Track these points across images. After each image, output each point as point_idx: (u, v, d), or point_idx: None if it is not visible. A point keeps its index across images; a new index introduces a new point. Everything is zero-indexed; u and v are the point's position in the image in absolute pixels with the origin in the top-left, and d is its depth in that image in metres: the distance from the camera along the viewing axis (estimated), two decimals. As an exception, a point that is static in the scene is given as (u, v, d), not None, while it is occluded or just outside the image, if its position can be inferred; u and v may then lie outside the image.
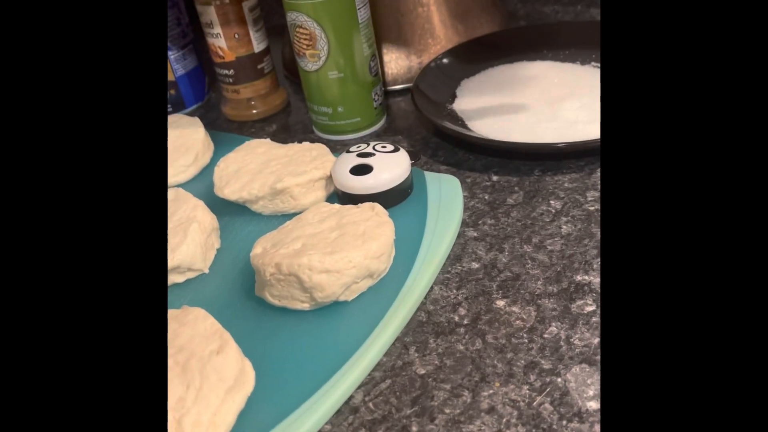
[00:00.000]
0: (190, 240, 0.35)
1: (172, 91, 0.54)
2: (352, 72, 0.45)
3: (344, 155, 0.39)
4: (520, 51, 0.52)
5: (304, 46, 0.45)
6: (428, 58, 0.52)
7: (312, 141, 0.49)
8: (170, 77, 0.54)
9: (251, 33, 0.50)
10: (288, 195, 0.39)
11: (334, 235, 0.34)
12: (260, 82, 0.52)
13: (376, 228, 0.34)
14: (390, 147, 0.39)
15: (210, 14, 0.48)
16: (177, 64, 0.54)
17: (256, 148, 0.43)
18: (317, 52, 0.44)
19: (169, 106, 0.55)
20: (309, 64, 0.45)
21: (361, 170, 0.38)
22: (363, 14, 0.44)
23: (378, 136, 0.48)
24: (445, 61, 0.51)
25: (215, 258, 0.37)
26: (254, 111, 0.53)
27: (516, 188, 0.40)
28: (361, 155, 0.39)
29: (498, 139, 0.41)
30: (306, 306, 0.32)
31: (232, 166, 0.41)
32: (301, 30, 0.44)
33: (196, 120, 0.47)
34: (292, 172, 0.39)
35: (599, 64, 0.49)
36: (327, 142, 0.48)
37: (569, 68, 0.49)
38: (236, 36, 0.49)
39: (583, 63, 0.50)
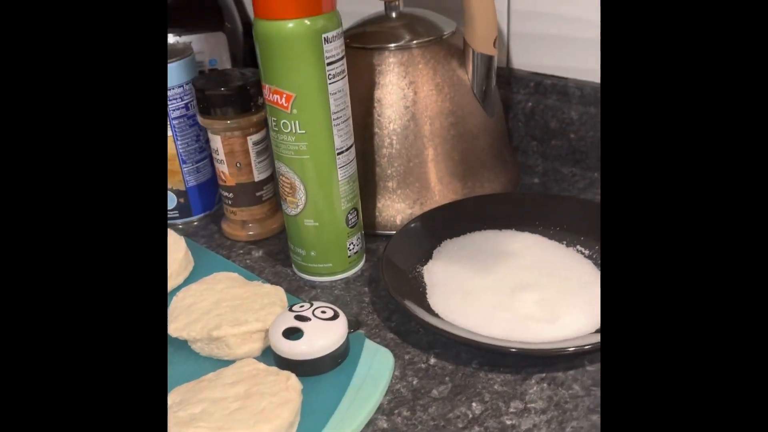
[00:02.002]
0: (113, 377, 0.37)
1: (182, 199, 0.58)
2: (327, 223, 0.47)
3: (284, 314, 0.40)
4: (512, 218, 0.52)
5: (286, 193, 0.47)
6: (422, 210, 0.53)
7: (288, 275, 0.50)
8: (181, 187, 0.57)
9: (253, 164, 0.53)
10: (224, 343, 0.40)
11: (235, 406, 0.34)
12: (257, 208, 0.55)
13: (277, 407, 0.34)
14: (330, 313, 0.40)
15: (216, 142, 0.52)
16: (189, 176, 0.57)
17: (217, 283, 0.45)
18: (296, 201, 0.46)
19: (177, 212, 0.58)
20: (289, 208, 0.47)
21: (293, 333, 0.39)
22: (344, 173, 0.46)
23: (347, 284, 0.49)
24: (430, 217, 0.51)
25: (138, 395, 0.39)
26: (249, 233, 0.55)
27: (447, 378, 0.39)
28: (298, 317, 0.39)
29: (440, 326, 0.40)
30: (187, 476, 0.33)
31: (188, 299, 0.43)
32: (284, 179, 0.46)
33: (180, 239, 0.50)
34: (233, 320, 0.40)
35: (583, 250, 0.48)
36: (299, 280, 0.49)
37: (552, 247, 0.48)
38: (238, 165, 0.52)
39: (568, 245, 0.49)
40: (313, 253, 0.48)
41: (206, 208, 0.60)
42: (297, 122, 0.43)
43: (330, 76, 0.43)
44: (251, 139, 0.52)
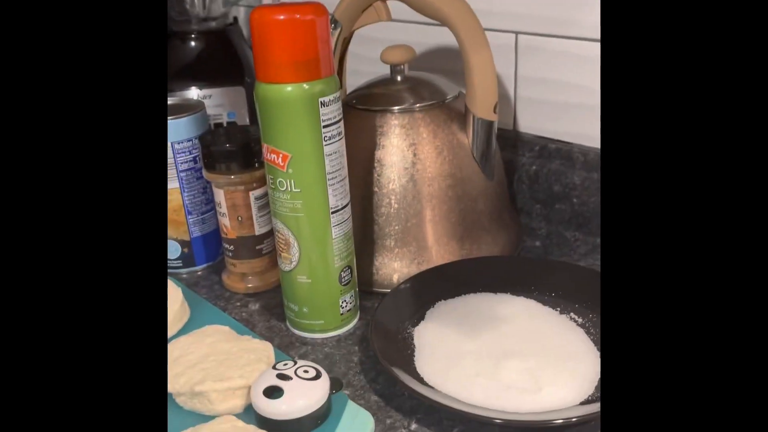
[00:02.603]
0: (92, 428, 0.37)
1: (186, 249, 0.59)
2: (319, 280, 0.47)
3: (267, 372, 0.40)
4: (507, 282, 0.51)
5: (281, 249, 0.47)
6: (419, 269, 0.53)
7: (282, 329, 0.50)
8: (186, 237, 0.59)
9: (254, 218, 0.54)
10: (206, 398, 0.40)
11: (208, 464, 0.34)
12: (257, 261, 0.55)
13: (248, 468, 0.34)
14: (312, 372, 0.40)
15: (219, 196, 0.53)
16: (194, 227, 0.59)
17: (207, 336, 0.45)
18: (290, 257, 0.47)
19: (180, 262, 0.60)
20: (283, 264, 0.48)
21: (273, 392, 0.39)
22: (338, 231, 0.47)
23: (338, 342, 0.49)
24: (425, 278, 0.51)
25: (117, 447, 0.39)
26: (248, 285, 0.56)
27: (426, 447, 0.38)
28: (280, 376, 0.40)
29: (421, 392, 0.40)
30: None
31: (176, 351, 0.44)
32: (280, 235, 0.47)
33: (178, 290, 0.51)
34: (218, 375, 0.41)
35: (576, 317, 0.47)
36: (291, 335, 0.50)
37: (545, 314, 0.48)
38: (239, 219, 0.54)
39: (561, 312, 0.48)
40: (305, 309, 0.48)
41: (210, 258, 0.61)
42: (292, 181, 0.44)
43: (326, 138, 0.44)
44: (253, 194, 0.53)
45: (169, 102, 0.60)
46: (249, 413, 0.40)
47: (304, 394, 0.38)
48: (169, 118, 0.55)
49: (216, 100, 0.77)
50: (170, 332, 0.49)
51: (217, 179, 0.53)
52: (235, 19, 0.88)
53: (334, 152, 0.45)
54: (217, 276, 0.59)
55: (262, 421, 0.39)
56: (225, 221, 0.54)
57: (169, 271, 0.60)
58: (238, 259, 0.55)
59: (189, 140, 0.56)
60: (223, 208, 0.54)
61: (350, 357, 0.47)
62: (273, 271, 0.57)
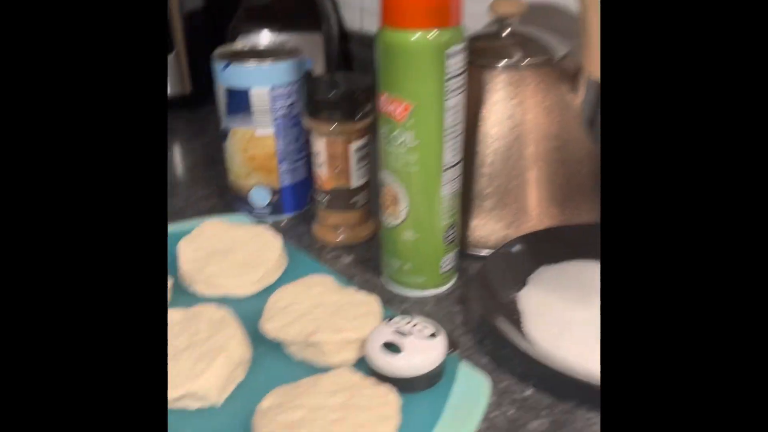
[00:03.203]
0: (212, 372, 0.37)
1: (275, 197, 0.59)
2: (425, 237, 0.46)
3: (382, 327, 0.40)
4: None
5: (387, 204, 0.46)
6: (517, 233, 0.52)
7: (379, 284, 0.50)
8: (276, 185, 0.58)
9: (351, 170, 0.53)
10: (319, 349, 0.40)
11: (335, 416, 0.34)
12: (350, 214, 0.55)
13: (377, 423, 0.33)
14: (430, 330, 0.39)
15: (319, 145, 0.52)
16: (285, 175, 0.58)
17: (313, 286, 0.45)
18: (397, 212, 0.46)
19: (268, 209, 0.59)
20: (388, 219, 0.47)
21: (391, 348, 0.38)
22: (449, 188, 0.45)
23: (438, 301, 0.48)
24: (527, 242, 0.50)
25: (233, 392, 0.39)
26: (338, 238, 0.55)
27: (544, 413, 0.37)
28: (397, 332, 0.39)
29: (539, 359, 0.39)
30: (283, 482, 0.32)
31: (284, 300, 0.43)
32: (388, 189, 0.46)
33: (277, 239, 0.50)
34: (330, 326, 0.40)
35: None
36: (390, 291, 0.49)
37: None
38: (337, 169, 0.53)
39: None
40: (407, 266, 0.47)
41: (297, 207, 0.60)
42: (411, 134, 0.43)
43: (448, 91, 0.42)
44: (353, 146, 0.52)
45: (266, 46, 0.59)
46: (360, 367, 0.40)
47: (422, 352, 0.38)
48: (269, 61, 0.54)
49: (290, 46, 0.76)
50: (270, 280, 0.49)
51: (319, 128, 0.51)
52: (315, -38, 0.85)
53: (455, 106, 0.43)
54: (304, 226, 0.59)
55: (377, 376, 0.38)
56: (322, 171, 0.53)
57: (255, 218, 0.59)
58: (332, 210, 0.54)
59: (287, 85, 0.55)
60: (321, 158, 0.53)
61: (452, 317, 0.46)
62: (364, 225, 0.56)
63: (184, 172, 0.71)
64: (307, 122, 0.52)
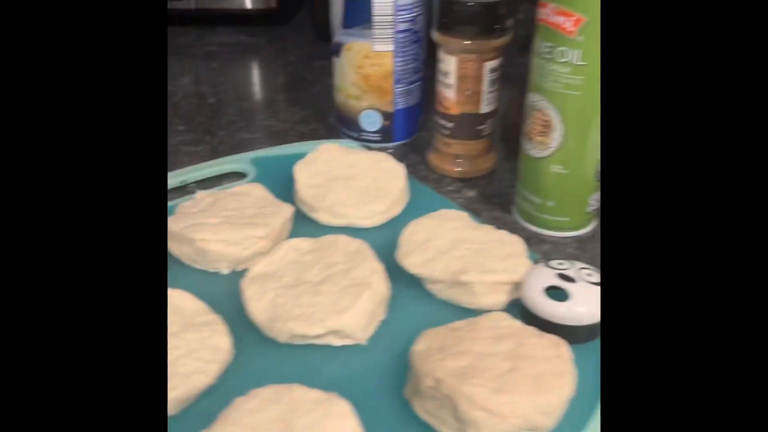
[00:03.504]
0: (359, 308, 0.34)
1: (387, 122, 0.54)
2: (576, 172, 0.41)
3: (542, 269, 0.35)
4: None
5: (537, 132, 0.41)
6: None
7: (508, 222, 0.45)
8: (389, 108, 0.53)
9: (483, 93, 0.47)
10: (468, 289, 0.36)
11: (506, 365, 0.30)
12: (474, 143, 0.50)
13: (554, 377, 0.30)
14: (596, 277, 0.35)
15: (450, 64, 0.47)
16: (400, 98, 0.53)
17: (450, 221, 0.40)
18: (548, 142, 0.41)
19: (378, 135, 0.54)
20: (534, 150, 0.42)
21: (555, 294, 0.34)
22: (612, 117, 0.40)
23: (579, 242, 0.43)
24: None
25: (377, 329, 0.35)
26: (458, 169, 0.51)
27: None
28: (561, 276, 0.35)
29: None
30: (453, 436, 0.29)
31: (421, 233, 0.39)
32: (540, 115, 0.40)
33: (401, 167, 0.46)
34: (480, 266, 0.36)
35: None
36: (525, 230, 0.44)
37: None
38: (467, 92, 0.47)
39: None
40: (550, 203, 0.43)
41: (407, 135, 0.55)
42: (578, 52, 0.37)
43: (629, 2, 0.36)
44: (488, 66, 0.46)
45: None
46: (510, 311, 0.36)
47: (592, 300, 0.34)
48: (394, -33, 0.48)
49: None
50: (395, 211, 0.44)
51: (451, 43, 0.46)
52: None
53: (632, 21, 0.37)
54: (415, 155, 0.54)
55: (536, 322, 0.34)
56: (449, 93, 0.48)
57: (361, 145, 0.55)
58: (455, 138, 0.49)
59: (412, -4, 0.49)
60: (450, 79, 0.47)
61: (597, 262, 0.42)
62: (486, 156, 0.51)
63: (275, 92, 0.66)
64: (437, 37, 0.47)
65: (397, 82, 0.52)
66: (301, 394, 0.28)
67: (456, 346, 0.31)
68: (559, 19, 0.37)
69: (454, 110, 0.48)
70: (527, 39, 0.41)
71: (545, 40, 0.38)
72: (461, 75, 0.47)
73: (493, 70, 0.47)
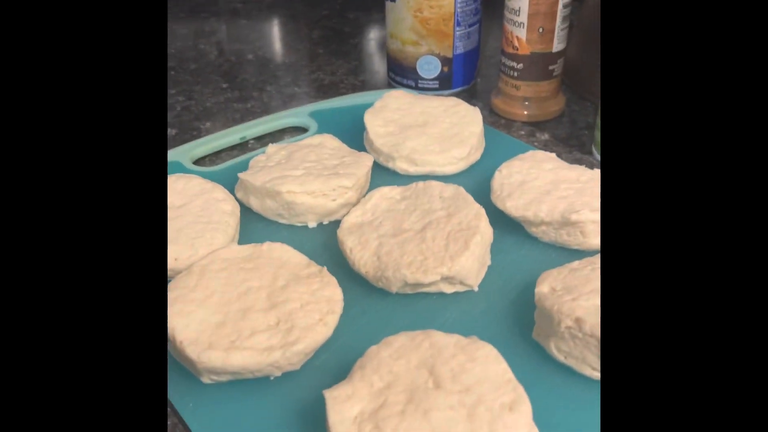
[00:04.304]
0: (470, 253, 0.32)
1: (446, 68, 0.52)
2: (670, 105, 0.39)
3: (655, 204, 0.34)
4: None
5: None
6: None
7: (589, 163, 0.44)
8: (449, 54, 0.51)
9: (556, 30, 0.45)
10: (578, 229, 0.34)
11: (644, 302, 0.29)
12: (545, 84, 0.48)
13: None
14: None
15: (522, 1, 0.44)
16: (459, 41, 0.51)
17: (543, 162, 0.39)
18: (640, 74, 0.39)
19: (436, 82, 0.52)
20: (624, 83, 0.40)
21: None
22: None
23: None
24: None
25: (485, 276, 0.34)
26: (526, 112, 0.49)
27: None
28: (677, 210, 0.33)
29: None
30: (596, 375, 0.28)
31: (515, 176, 0.38)
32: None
33: (477, 111, 0.44)
34: (588, 204, 0.35)
35: None
36: (607, 171, 0.43)
37: None
38: (540, 30, 0.45)
39: None
40: (639, 141, 0.41)
41: (466, 81, 0.53)
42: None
43: None
44: (562, 1, 0.44)
45: None
46: (618, 251, 0.35)
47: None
48: None
49: None
50: (476, 157, 0.43)
51: (524, -22, 0.44)
52: None
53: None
54: (476, 101, 0.52)
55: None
56: (520, 33, 0.46)
57: (418, 92, 0.52)
58: (525, 80, 0.47)
59: (475, -70, 0.46)
60: (522, 17, 0.45)
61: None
62: (555, 98, 0.49)
63: (314, 46, 0.64)
64: (507, -28, 0.44)
65: (458, 24, 0.50)
66: (439, 338, 0.27)
67: (585, 285, 0.30)
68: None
69: (525, 50, 0.46)
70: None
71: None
72: (534, 12, 0.44)
73: (566, 5, 0.45)
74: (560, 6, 0.44)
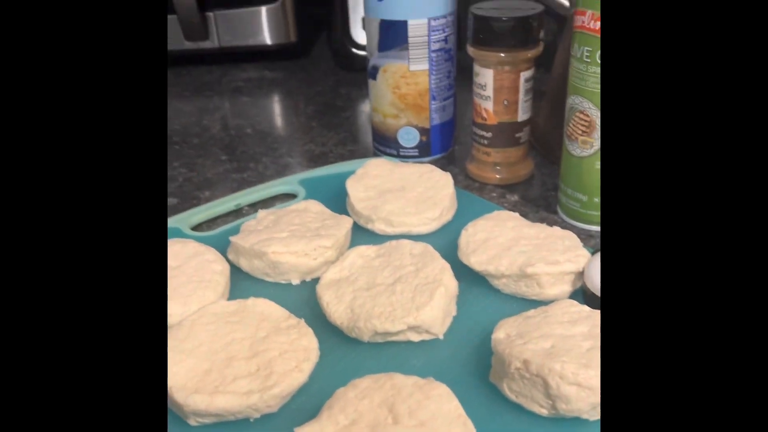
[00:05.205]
0: (435, 303, 0.35)
1: (424, 138, 0.56)
2: (621, 167, 0.43)
3: (597, 258, 0.37)
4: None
5: (579, 132, 0.43)
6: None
7: (554, 222, 0.47)
8: (426, 125, 0.56)
9: (520, 102, 0.50)
10: (535, 281, 0.38)
11: (587, 345, 0.32)
12: (513, 150, 0.52)
13: (634, 350, 0.31)
14: (655, 261, 0.37)
15: (486, 77, 0.49)
16: (435, 114, 0.55)
17: (506, 220, 0.43)
18: (591, 141, 0.43)
19: (416, 151, 0.57)
20: (578, 149, 0.44)
21: (620, 278, 0.36)
22: (650, 112, 0.42)
23: (627, 236, 0.45)
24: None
25: (450, 325, 0.37)
26: (498, 176, 0.53)
27: None
28: (622, 262, 0.37)
29: None
30: (544, 412, 0.31)
31: (480, 233, 0.41)
32: (581, 116, 0.43)
33: (448, 176, 0.48)
34: (544, 258, 0.38)
35: None
36: (572, 227, 0.46)
37: None
38: (505, 103, 0.50)
39: None
40: (596, 200, 0.45)
41: (444, 148, 0.58)
42: (617, 53, 0.40)
43: (661, 4, 0.39)
44: (524, 75, 0.49)
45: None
46: (574, 299, 0.38)
47: (654, 282, 0.35)
48: (427, -10, 0.51)
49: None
50: (447, 217, 0.46)
51: (488, 57, 0.49)
52: None
53: (665, 21, 0.40)
54: (453, 167, 0.57)
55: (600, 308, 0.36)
56: (487, 105, 0.50)
57: (401, 160, 0.57)
58: (494, 147, 0.52)
59: (444, 17, 0.52)
60: (488, 91, 0.50)
61: (647, 252, 0.44)
62: (524, 162, 0.53)
63: (308, 120, 0.69)
64: (473, 52, 0.49)
65: (433, 99, 0.55)
66: (400, 380, 0.30)
67: (535, 331, 0.33)
68: (598, 25, 0.40)
69: (492, 120, 0.51)
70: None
71: (584, 45, 0.41)
72: (498, 86, 0.49)
73: (528, 80, 0.50)
74: (522, 81, 0.49)
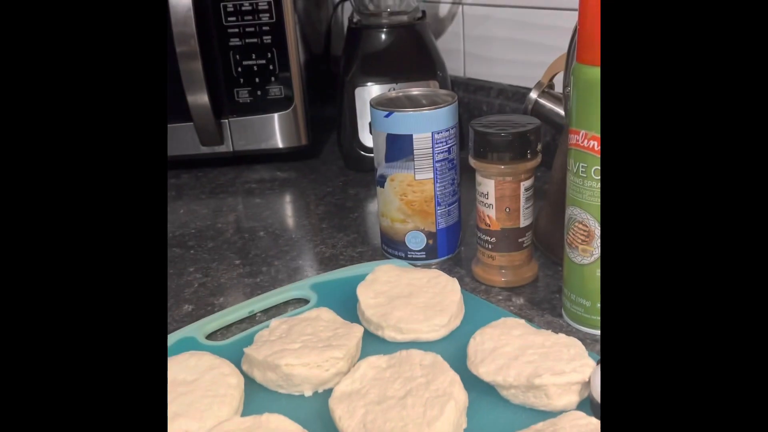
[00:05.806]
0: (445, 418, 0.36)
1: (431, 241, 0.58)
2: (621, 274, 0.45)
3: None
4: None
5: (579, 240, 0.45)
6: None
7: (559, 326, 0.49)
8: (432, 229, 0.58)
9: (521, 209, 0.52)
10: (543, 392, 0.39)
11: (596, 461, 0.32)
12: (517, 255, 0.54)
13: (642, 467, 0.32)
14: (659, 371, 0.38)
15: (488, 186, 0.52)
16: (441, 218, 0.58)
17: (512, 328, 0.44)
18: (591, 249, 0.45)
19: (423, 254, 0.59)
20: (578, 257, 0.46)
21: (625, 389, 0.37)
22: (646, 222, 0.44)
23: (632, 340, 0.46)
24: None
25: (461, 438, 0.38)
26: (503, 279, 0.54)
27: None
28: (627, 373, 0.37)
29: None
30: None
31: (488, 342, 0.43)
32: (580, 226, 0.45)
33: (455, 282, 0.50)
34: (550, 368, 0.39)
35: None
36: (577, 332, 0.47)
37: None
38: (507, 210, 0.52)
39: None
40: (599, 305, 0.46)
41: (450, 251, 0.60)
42: (610, 169, 0.42)
43: (649, 124, 0.42)
44: (524, 185, 0.52)
45: (422, 92, 0.60)
46: (581, 409, 0.38)
47: (660, 393, 0.36)
48: (430, 108, 0.54)
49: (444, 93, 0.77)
50: (456, 323, 0.48)
51: (489, 168, 0.51)
52: (424, 13, 0.87)
53: (654, 139, 0.42)
54: (460, 269, 0.58)
55: (610, 419, 0.36)
56: (490, 212, 0.53)
57: (409, 263, 0.59)
58: (499, 251, 0.54)
59: (446, 130, 0.55)
60: (490, 199, 0.52)
61: (653, 356, 0.44)
62: (528, 266, 0.55)
63: (319, 221, 0.72)
64: (474, 164, 0.52)
65: (438, 204, 0.57)
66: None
67: (543, 447, 0.34)
68: (591, 143, 0.42)
69: (496, 226, 0.53)
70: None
71: (579, 161, 0.44)
72: (500, 195, 0.52)
73: (527, 189, 0.52)
74: (522, 190, 0.52)
